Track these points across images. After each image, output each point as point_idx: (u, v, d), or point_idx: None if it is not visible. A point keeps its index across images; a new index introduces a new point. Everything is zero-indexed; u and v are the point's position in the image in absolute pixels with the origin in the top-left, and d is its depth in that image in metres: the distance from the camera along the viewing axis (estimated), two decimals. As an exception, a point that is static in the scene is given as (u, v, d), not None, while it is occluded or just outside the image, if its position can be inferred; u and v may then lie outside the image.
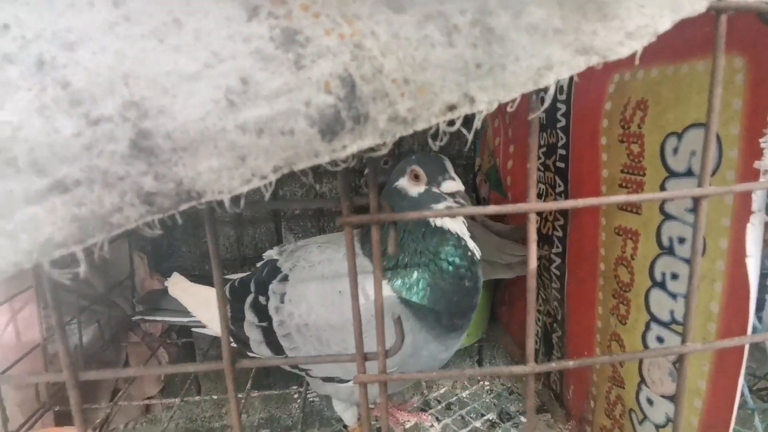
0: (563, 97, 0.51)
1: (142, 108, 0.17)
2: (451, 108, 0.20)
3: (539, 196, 0.61)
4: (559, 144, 0.53)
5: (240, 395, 0.69)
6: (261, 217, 0.99)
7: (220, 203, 0.20)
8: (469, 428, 0.58)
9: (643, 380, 0.43)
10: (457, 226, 0.47)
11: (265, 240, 1.00)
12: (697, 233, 0.23)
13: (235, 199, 0.20)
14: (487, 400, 0.64)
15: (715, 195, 0.23)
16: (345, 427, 0.59)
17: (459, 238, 0.46)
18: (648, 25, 0.19)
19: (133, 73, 0.17)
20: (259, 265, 0.58)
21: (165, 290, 0.64)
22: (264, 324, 0.50)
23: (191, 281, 0.62)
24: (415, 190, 0.46)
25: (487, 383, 0.67)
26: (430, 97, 0.19)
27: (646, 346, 0.42)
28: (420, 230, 0.46)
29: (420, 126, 0.20)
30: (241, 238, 0.99)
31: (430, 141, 0.20)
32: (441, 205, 0.45)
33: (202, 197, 0.19)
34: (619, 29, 0.19)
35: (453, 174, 0.45)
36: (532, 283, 0.24)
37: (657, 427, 0.42)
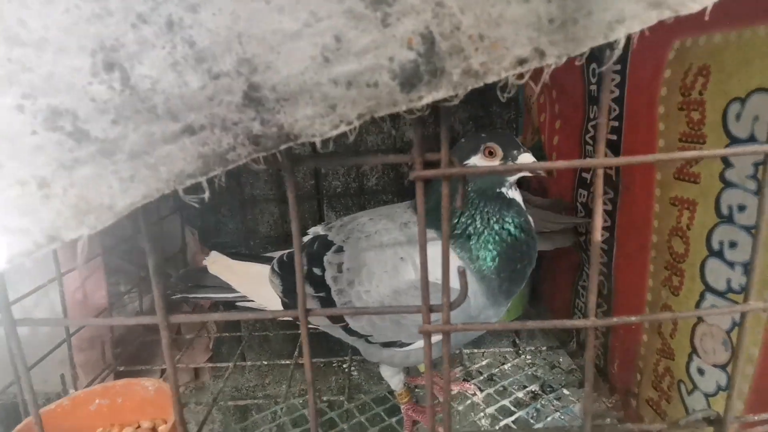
0: (617, 67, 0.50)
1: (252, 64, 0.20)
2: (522, 62, 0.20)
3: (586, 170, 0.61)
4: (612, 116, 0.53)
5: (288, 362, 0.72)
6: (304, 195, 1.01)
7: (312, 144, 0.22)
8: (511, 398, 0.59)
9: (694, 351, 0.43)
10: (515, 194, 0.49)
11: (307, 217, 1.03)
12: (765, 188, 0.23)
13: (324, 143, 0.22)
14: (529, 373, 0.64)
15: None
16: (391, 392, 0.61)
17: (522, 208, 0.49)
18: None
19: (246, 32, 0.19)
20: (306, 240, 0.59)
21: (204, 268, 0.64)
22: (321, 294, 0.52)
23: (231, 258, 0.64)
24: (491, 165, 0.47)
25: (528, 357, 0.68)
26: (502, 51, 0.20)
27: (700, 318, 0.42)
28: (494, 201, 0.48)
29: (490, 79, 0.21)
30: (284, 215, 1.02)
31: (498, 93, 0.21)
32: (505, 188, 0.48)
33: (298, 139, 0.21)
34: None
35: (524, 147, 0.48)
36: (596, 236, 0.25)
37: (707, 396, 0.42)
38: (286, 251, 0.60)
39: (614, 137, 0.53)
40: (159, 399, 0.44)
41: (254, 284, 0.60)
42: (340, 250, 0.52)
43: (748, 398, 0.38)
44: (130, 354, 0.75)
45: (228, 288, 0.62)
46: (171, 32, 0.19)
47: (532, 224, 0.49)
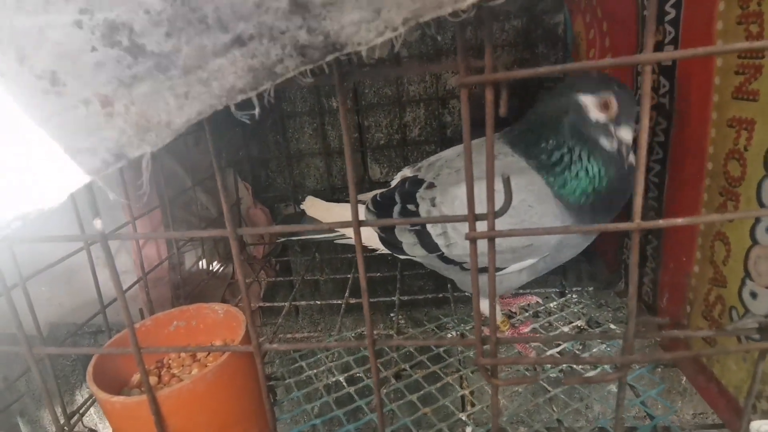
0: (673, -14, 0.48)
1: None
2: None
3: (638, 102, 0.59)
4: (667, 40, 0.50)
5: (339, 301, 0.76)
6: (348, 148, 1.03)
7: (359, 57, 0.23)
8: (556, 332, 0.60)
9: (747, 275, 0.42)
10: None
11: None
12: None
13: (370, 53, 0.23)
14: (575, 311, 0.65)
15: None
16: (437, 326, 0.64)
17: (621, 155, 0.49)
18: None
19: None
20: (396, 182, 0.64)
21: (302, 213, 0.73)
22: (417, 227, 0.56)
23: (326, 202, 0.72)
24: (595, 116, 0.47)
25: (575, 296, 0.69)
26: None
27: (754, 240, 0.41)
28: (576, 129, 0.48)
29: None
30: (329, 168, 1.05)
31: None
32: (605, 142, 0.48)
33: (344, 48, 0.22)
34: None
35: (634, 124, 0.46)
36: (644, 137, 0.25)
37: (762, 320, 0.41)
38: (378, 192, 0.65)
39: (669, 63, 0.50)
40: (228, 321, 0.48)
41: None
42: (431, 186, 0.56)
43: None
44: (190, 294, 0.82)
45: (324, 230, 0.68)
46: None
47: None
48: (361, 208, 0.64)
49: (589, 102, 0.47)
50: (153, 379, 0.47)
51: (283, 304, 0.77)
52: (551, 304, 0.67)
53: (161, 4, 0.20)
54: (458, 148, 0.61)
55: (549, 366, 0.54)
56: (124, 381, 0.47)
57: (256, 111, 0.22)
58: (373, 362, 0.33)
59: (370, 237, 0.62)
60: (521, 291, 0.70)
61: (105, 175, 0.23)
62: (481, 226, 0.28)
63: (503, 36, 0.91)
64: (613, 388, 0.52)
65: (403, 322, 0.89)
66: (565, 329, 0.61)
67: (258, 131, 1.04)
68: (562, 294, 0.69)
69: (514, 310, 0.66)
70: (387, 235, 0.60)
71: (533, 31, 0.90)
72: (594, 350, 0.57)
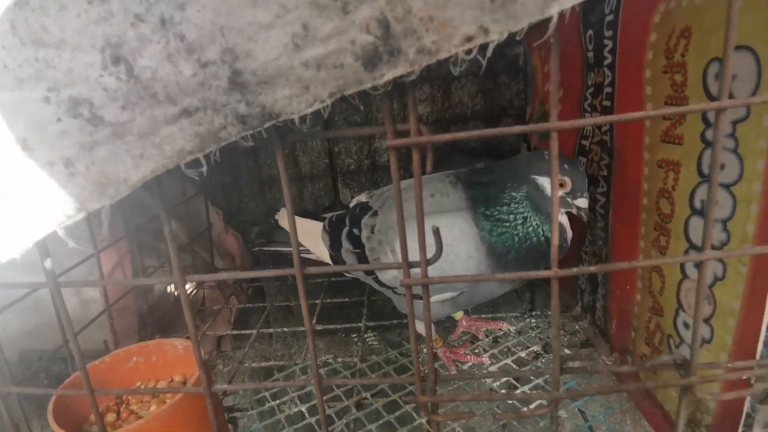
0: (610, 33, 0.51)
1: (234, 53, 0.23)
2: (469, 39, 0.23)
3: (585, 137, 0.62)
4: (606, 82, 0.54)
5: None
6: (318, 173, 1.05)
7: (292, 122, 0.25)
8: (514, 357, 0.62)
9: (680, 306, 0.45)
10: (564, 219, 0.55)
11: (323, 195, 1.07)
12: (716, 144, 0.25)
13: (302, 119, 0.25)
14: (533, 335, 0.67)
15: (732, 107, 0.25)
16: (400, 353, 0.65)
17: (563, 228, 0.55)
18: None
19: (227, 25, 0.22)
20: (351, 206, 0.69)
21: (276, 224, 0.78)
22: (358, 251, 0.60)
23: (296, 215, 0.74)
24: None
25: (533, 321, 0.71)
26: (451, 30, 0.23)
27: (684, 274, 0.44)
28: (535, 213, 0.53)
29: (442, 55, 0.23)
30: (301, 193, 1.06)
31: (451, 67, 0.24)
32: (563, 211, 0.54)
33: (279, 117, 0.25)
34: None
35: (588, 192, 0.53)
36: (555, 195, 0.27)
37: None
38: (335, 213, 0.69)
39: (608, 103, 0.54)
40: (188, 356, 0.49)
41: (311, 237, 0.69)
42: (375, 214, 0.60)
43: (732, 349, 0.40)
44: (159, 322, 0.82)
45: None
46: (164, 28, 0.22)
47: (568, 237, 0.55)
48: (320, 226, 0.69)
49: (546, 183, 0.52)
50: (112, 416, 0.47)
51: (251, 331, 0.78)
52: (511, 329, 0.69)
53: (117, 83, 0.23)
54: (408, 182, 0.64)
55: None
56: (85, 417, 0.47)
57: (204, 169, 0.25)
58: (319, 400, 0.34)
59: (325, 254, 0.67)
60: (492, 316, 0.72)
61: (67, 226, 0.26)
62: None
63: (465, 66, 0.94)
64: (563, 413, 0.53)
65: (377, 344, 0.90)
66: (523, 354, 0.63)
67: (230, 158, 1.05)
68: (521, 318, 0.72)
69: (479, 335, 0.68)
70: (335, 255, 0.65)
71: (495, 62, 0.94)
72: (548, 376, 0.59)
